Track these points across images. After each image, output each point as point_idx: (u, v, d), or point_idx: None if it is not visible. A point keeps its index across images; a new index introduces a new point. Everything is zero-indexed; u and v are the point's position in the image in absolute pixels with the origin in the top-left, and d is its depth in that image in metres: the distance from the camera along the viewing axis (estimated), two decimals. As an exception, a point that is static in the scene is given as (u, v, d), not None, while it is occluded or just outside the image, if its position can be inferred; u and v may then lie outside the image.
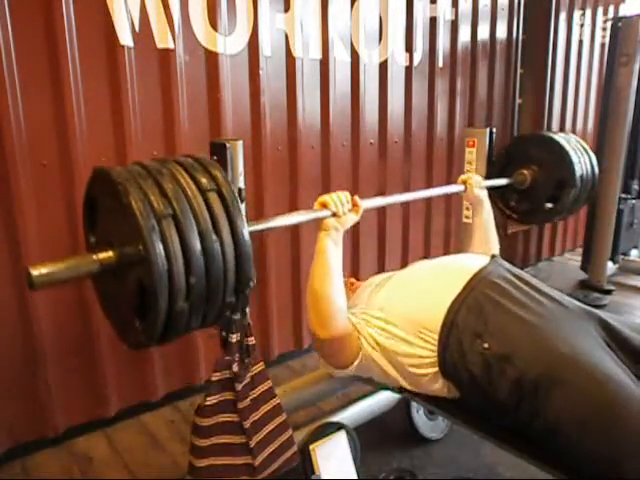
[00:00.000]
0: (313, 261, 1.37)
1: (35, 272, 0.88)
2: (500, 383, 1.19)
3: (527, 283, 1.37)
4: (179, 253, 0.90)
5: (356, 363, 1.41)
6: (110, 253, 0.97)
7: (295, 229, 2.46)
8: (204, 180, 0.98)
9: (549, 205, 2.10)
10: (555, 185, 2.06)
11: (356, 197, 1.42)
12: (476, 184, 1.82)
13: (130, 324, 0.99)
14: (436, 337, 1.31)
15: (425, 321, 1.34)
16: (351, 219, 1.40)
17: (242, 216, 1.00)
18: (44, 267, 0.90)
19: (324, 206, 1.36)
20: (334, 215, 1.35)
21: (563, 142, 2.05)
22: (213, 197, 0.97)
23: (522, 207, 2.18)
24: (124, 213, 0.90)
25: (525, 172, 2.11)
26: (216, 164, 1.04)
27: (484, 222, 1.85)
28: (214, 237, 0.94)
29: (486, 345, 1.23)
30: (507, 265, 1.47)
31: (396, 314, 1.40)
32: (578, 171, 2.01)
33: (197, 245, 0.92)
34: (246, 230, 1.00)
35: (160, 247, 0.88)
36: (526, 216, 2.21)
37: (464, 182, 1.83)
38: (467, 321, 1.28)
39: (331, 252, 1.35)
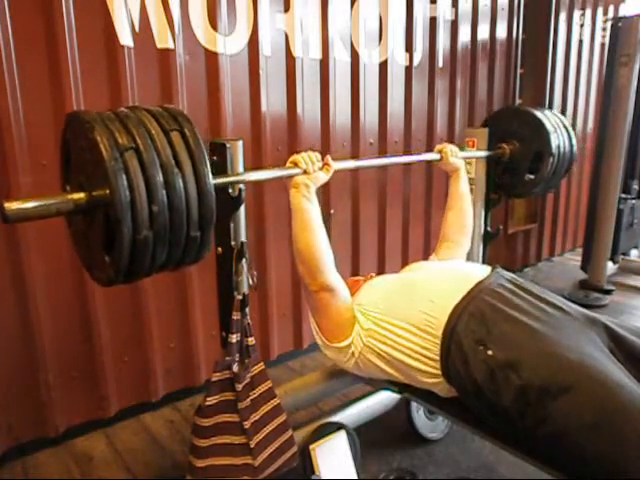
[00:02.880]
0: (292, 220, 1.40)
1: (8, 206, 0.93)
2: (505, 390, 1.19)
3: (529, 291, 1.38)
4: (141, 183, 0.96)
5: (344, 344, 1.43)
6: (82, 194, 1.02)
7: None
8: (168, 122, 1.04)
9: (530, 176, 2.13)
10: (534, 156, 2.10)
11: (328, 157, 1.44)
12: (452, 153, 1.82)
13: (100, 261, 1.04)
14: (438, 342, 1.32)
15: (427, 326, 1.35)
16: (321, 177, 1.41)
17: (204, 154, 1.05)
18: (18, 202, 0.95)
19: (295, 165, 1.39)
20: (305, 173, 1.37)
21: (539, 114, 2.09)
22: (176, 136, 1.03)
23: (504, 180, 2.22)
24: (91, 149, 0.96)
25: (504, 146, 2.14)
26: (182, 112, 1.10)
27: (460, 193, 1.86)
28: (176, 170, 1.00)
29: (490, 352, 1.23)
30: (508, 275, 1.47)
31: (400, 316, 1.41)
32: (554, 140, 2.05)
33: (159, 176, 0.98)
34: (208, 169, 1.05)
35: (123, 177, 0.94)
36: (508, 189, 2.25)
37: (440, 151, 1.83)
38: (469, 328, 1.29)
39: (306, 209, 1.38)
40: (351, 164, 1.64)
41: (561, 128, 2.11)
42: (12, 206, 0.94)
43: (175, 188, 0.99)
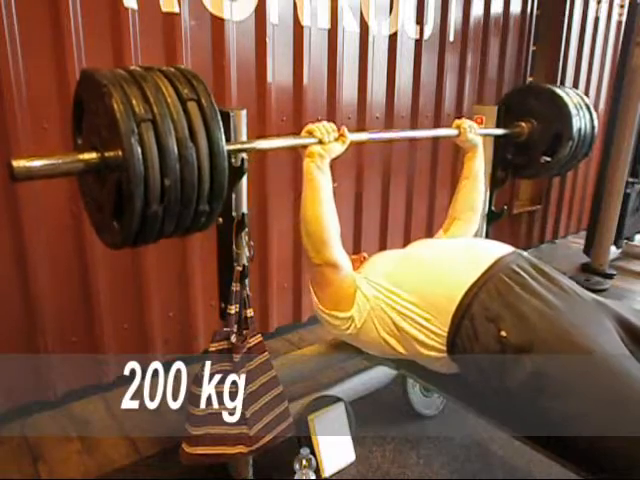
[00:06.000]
0: (303, 190, 1.38)
1: (16, 163, 0.90)
2: (513, 372, 1.20)
3: (546, 275, 1.36)
4: (156, 157, 0.93)
5: (346, 315, 1.43)
6: (94, 155, 0.99)
7: (299, 200, 2.44)
8: (185, 90, 1.01)
9: (546, 158, 2.05)
10: (552, 138, 2.02)
11: (343, 127, 1.41)
12: (470, 129, 1.79)
13: (109, 225, 1.03)
14: (448, 318, 1.31)
15: (438, 300, 1.34)
16: (337, 149, 1.39)
17: (220, 127, 1.02)
18: (27, 160, 0.92)
19: (310, 134, 1.37)
20: (320, 143, 1.35)
21: (562, 94, 2.01)
22: (192, 106, 1.00)
23: (518, 160, 2.15)
24: (107, 115, 0.93)
25: (523, 124, 2.06)
26: (198, 76, 1.06)
27: (474, 170, 1.83)
28: (190, 144, 0.97)
29: (503, 333, 1.22)
30: (527, 255, 1.45)
31: (405, 286, 1.40)
32: (576, 123, 1.97)
33: (174, 150, 0.95)
34: (223, 141, 1.02)
35: (138, 150, 0.92)
36: (522, 169, 2.17)
37: (458, 126, 1.79)
38: (484, 307, 1.28)
39: (319, 178, 1.36)
40: (365, 136, 1.60)
41: (583, 109, 2.02)
42: (20, 164, 0.91)
43: (188, 162, 0.97)
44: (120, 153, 0.92)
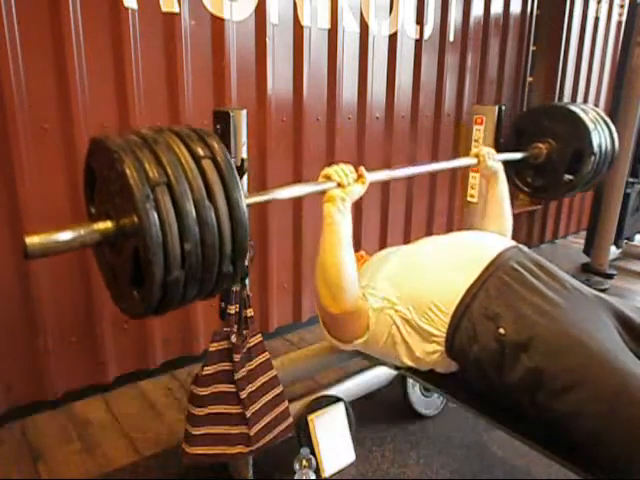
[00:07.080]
0: (321, 234, 1.33)
1: (30, 241, 0.87)
2: (511, 369, 1.20)
3: (546, 271, 1.36)
4: (173, 221, 0.90)
5: (362, 340, 1.41)
6: (109, 223, 0.96)
7: (297, 199, 2.45)
8: (199, 148, 0.97)
9: (569, 177, 2.01)
10: (572, 156, 1.98)
11: (362, 168, 1.38)
12: (489, 156, 1.77)
13: (128, 294, 0.99)
14: (447, 319, 1.32)
15: (437, 301, 1.34)
16: (357, 190, 1.36)
17: (238, 184, 0.98)
18: (40, 236, 0.88)
19: (328, 179, 1.33)
20: (339, 186, 1.31)
21: (578, 111, 1.98)
22: (208, 164, 0.96)
23: (539, 182, 2.10)
24: (120, 181, 0.90)
25: (540, 145, 2.03)
26: (212, 133, 1.03)
27: (498, 195, 1.81)
28: (208, 204, 0.94)
29: (502, 331, 1.23)
30: (527, 250, 1.44)
31: (405, 291, 1.40)
32: (595, 139, 1.93)
33: (192, 212, 0.92)
34: (242, 199, 0.98)
35: (154, 215, 0.88)
36: (543, 191, 2.12)
37: (477, 155, 1.78)
38: (483, 306, 1.28)
39: (339, 223, 1.31)
40: (385, 175, 1.57)
41: (601, 123, 1.99)
42: (34, 241, 0.87)
43: (208, 223, 0.93)
44: (136, 220, 0.88)
